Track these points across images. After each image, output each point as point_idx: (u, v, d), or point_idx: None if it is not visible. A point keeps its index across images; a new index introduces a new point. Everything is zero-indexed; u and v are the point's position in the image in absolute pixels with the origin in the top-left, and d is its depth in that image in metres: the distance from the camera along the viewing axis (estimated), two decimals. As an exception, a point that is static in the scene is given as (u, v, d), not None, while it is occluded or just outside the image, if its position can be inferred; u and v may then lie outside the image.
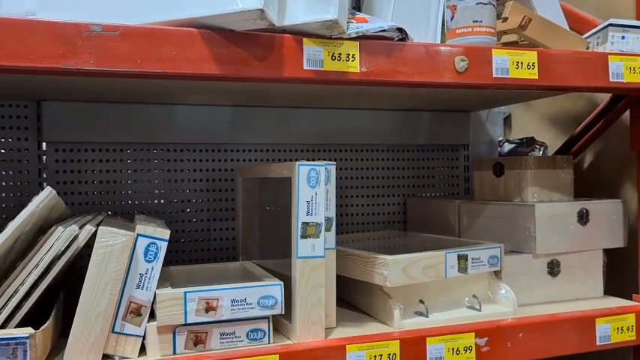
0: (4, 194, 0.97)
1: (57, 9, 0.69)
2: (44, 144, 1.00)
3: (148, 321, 0.67)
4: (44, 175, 1.00)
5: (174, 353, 0.68)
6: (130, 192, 1.04)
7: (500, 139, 1.28)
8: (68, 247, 0.63)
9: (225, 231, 1.09)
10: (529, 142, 1.20)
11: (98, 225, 0.66)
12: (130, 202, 1.04)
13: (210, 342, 0.69)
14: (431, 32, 0.81)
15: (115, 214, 1.03)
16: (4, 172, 0.98)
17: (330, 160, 1.16)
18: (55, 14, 0.69)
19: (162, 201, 1.06)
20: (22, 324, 0.62)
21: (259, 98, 1.01)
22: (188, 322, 0.67)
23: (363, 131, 1.18)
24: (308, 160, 1.14)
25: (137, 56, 0.62)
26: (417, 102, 1.10)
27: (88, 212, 0.94)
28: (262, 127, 1.11)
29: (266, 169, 0.83)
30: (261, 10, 0.61)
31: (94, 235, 0.65)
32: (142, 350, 0.67)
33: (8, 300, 0.62)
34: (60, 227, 0.63)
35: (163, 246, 0.67)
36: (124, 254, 0.65)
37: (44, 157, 1.00)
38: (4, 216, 0.97)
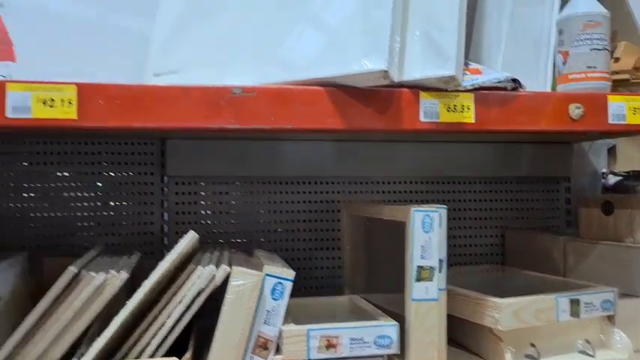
0: (131, 222, 1.08)
1: (198, 67, 0.78)
2: (166, 177, 1.10)
3: (274, 354, 0.73)
4: (165, 206, 1.10)
5: (297, 386, 0.73)
6: (240, 222, 1.12)
7: (604, 171, 1.25)
8: (207, 285, 0.70)
9: (326, 260, 1.14)
10: (636, 176, 1.16)
11: (230, 264, 0.73)
12: (240, 231, 1.11)
13: (330, 377, 0.74)
14: (541, 77, 0.82)
15: (226, 243, 1.10)
16: (131, 203, 1.08)
17: (427, 191, 1.19)
18: (195, 73, 0.77)
19: (268, 231, 1.13)
20: (165, 354, 0.70)
21: (362, 134, 1.06)
22: (310, 357, 0.72)
23: (461, 163, 1.19)
24: (407, 191, 1.17)
25: (271, 114, 0.68)
26: (518, 135, 1.10)
27: (207, 241, 1.02)
28: (363, 160, 1.15)
29: (377, 210, 0.87)
30: (386, 71, 0.65)
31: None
32: (268, 381, 0.73)
33: (157, 331, 0.69)
34: (200, 267, 0.71)
35: (289, 285, 0.73)
36: (254, 293, 0.71)
37: (166, 190, 1.10)
38: (129, 242, 1.07)
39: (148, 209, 1.09)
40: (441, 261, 0.77)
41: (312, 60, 0.69)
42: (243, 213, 1.12)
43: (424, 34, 0.69)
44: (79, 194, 1.07)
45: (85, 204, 1.06)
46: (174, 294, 0.70)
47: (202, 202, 1.11)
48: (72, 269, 0.68)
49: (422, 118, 0.71)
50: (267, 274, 0.72)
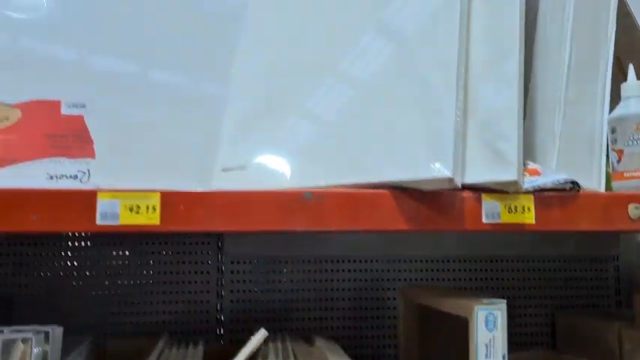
0: (187, 300, 1.11)
1: (266, 163, 0.82)
2: (223, 256, 1.14)
3: None
4: (221, 283, 1.13)
5: None
6: (289, 300, 1.14)
7: (654, 249, 1.24)
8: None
9: (376, 339, 1.15)
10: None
11: (295, 357, 0.75)
12: (289, 310, 1.13)
13: None
14: (595, 175, 0.84)
15: (285, 328, 1.12)
16: (188, 281, 1.12)
17: (475, 270, 1.20)
18: (263, 169, 0.82)
19: (316, 309, 1.15)
20: None
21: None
22: None
23: (508, 242, 1.20)
24: (455, 270, 1.19)
25: (340, 217, 0.71)
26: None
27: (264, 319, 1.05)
28: (411, 240, 1.17)
29: (436, 301, 0.88)
30: (451, 179, 0.68)
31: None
32: None
33: None
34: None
35: (353, 382, 0.74)
36: (320, 389, 0.73)
37: (222, 268, 1.14)
38: (185, 320, 1.10)
39: (204, 288, 1.12)
40: (504, 356, 0.77)
41: (378, 164, 0.73)
42: (297, 292, 1.14)
43: (485, 140, 0.73)
44: (138, 272, 1.11)
45: (143, 281, 1.10)
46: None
47: (258, 281, 1.14)
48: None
49: (484, 220, 0.73)
50: (334, 370, 0.74)
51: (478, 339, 0.74)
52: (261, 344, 0.85)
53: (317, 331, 1.06)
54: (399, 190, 0.73)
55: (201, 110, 0.90)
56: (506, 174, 0.71)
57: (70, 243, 1.09)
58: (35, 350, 0.69)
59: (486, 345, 0.74)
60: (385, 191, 0.73)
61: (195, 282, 1.12)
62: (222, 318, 1.11)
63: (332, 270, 1.16)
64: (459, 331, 0.78)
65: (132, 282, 1.10)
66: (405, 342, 1.01)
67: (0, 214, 0.65)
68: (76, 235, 1.09)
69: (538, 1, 0.93)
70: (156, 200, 0.68)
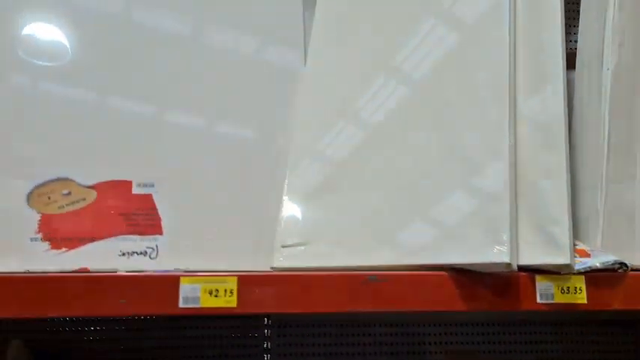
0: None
1: (326, 241, 0.87)
2: (269, 320, 1.18)
3: None
4: (269, 347, 1.17)
5: None
6: (336, 363, 1.17)
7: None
8: None
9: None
10: None
11: None
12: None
13: None
14: (637, 251, 0.88)
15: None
16: (235, 344, 1.16)
17: (520, 333, 1.23)
18: (322, 247, 0.87)
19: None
20: None
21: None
22: None
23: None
24: (497, 333, 1.22)
25: (400, 298, 0.76)
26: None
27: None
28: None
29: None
30: (509, 263, 0.73)
31: None
32: None
33: None
34: None
35: None
36: None
37: (268, 332, 1.18)
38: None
39: (252, 351, 1.16)
40: None
41: (437, 247, 0.78)
42: (338, 355, 1.17)
43: (537, 224, 0.77)
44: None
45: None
46: None
47: (305, 345, 1.17)
48: None
49: (538, 300, 0.77)
50: None
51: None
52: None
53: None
54: (458, 271, 0.77)
55: (257, 191, 0.96)
56: (558, 257, 0.75)
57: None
58: None
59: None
60: (444, 273, 0.77)
61: (243, 346, 1.16)
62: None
63: (367, 334, 1.19)
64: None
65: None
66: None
67: (94, 299, 0.70)
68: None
69: (573, 86, 0.99)
70: (233, 284, 0.73)
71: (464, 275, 0.77)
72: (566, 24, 0.93)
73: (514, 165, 0.80)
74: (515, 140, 0.82)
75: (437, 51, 0.92)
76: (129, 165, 0.93)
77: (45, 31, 1.00)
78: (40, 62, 0.97)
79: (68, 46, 0.98)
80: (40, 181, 0.89)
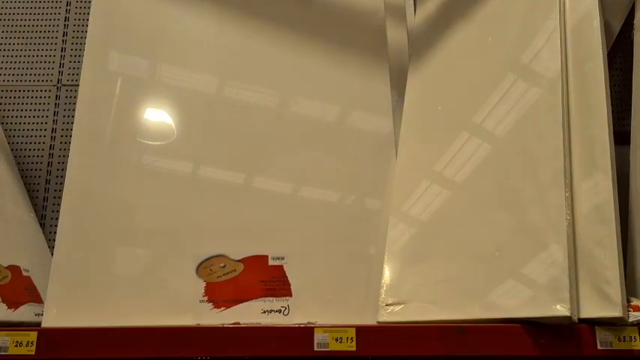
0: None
1: (420, 300, 1.10)
2: (375, 369, 1.40)
3: None
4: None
5: None
6: None
7: None
8: None
9: None
10: None
11: None
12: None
13: None
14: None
15: None
16: None
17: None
18: (418, 305, 1.10)
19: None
20: None
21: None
22: None
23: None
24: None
25: (482, 345, 0.97)
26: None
27: None
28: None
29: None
30: (570, 317, 0.92)
31: None
32: None
33: None
34: None
35: None
36: None
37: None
38: None
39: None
40: None
41: (512, 305, 0.98)
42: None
43: (595, 286, 0.96)
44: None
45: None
46: None
47: None
48: None
49: (599, 347, 0.95)
50: None
51: None
52: None
53: None
54: (530, 323, 0.97)
55: (363, 255, 1.21)
56: (613, 312, 0.93)
57: None
58: None
59: None
60: (517, 325, 0.97)
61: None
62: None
63: None
64: None
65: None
66: None
67: (251, 344, 0.98)
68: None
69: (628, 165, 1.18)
70: (352, 333, 0.98)
71: (534, 327, 0.97)
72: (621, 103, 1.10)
73: (572, 237, 1.00)
74: (573, 217, 1.02)
75: (500, 140, 1.15)
76: (265, 242, 1.22)
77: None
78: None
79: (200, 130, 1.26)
80: (203, 257, 1.20)
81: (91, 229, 1.17)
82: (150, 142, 1.25)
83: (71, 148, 1.22)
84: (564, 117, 1.09)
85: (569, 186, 1.04)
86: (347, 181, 1.26)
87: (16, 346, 0.97)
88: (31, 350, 0.96)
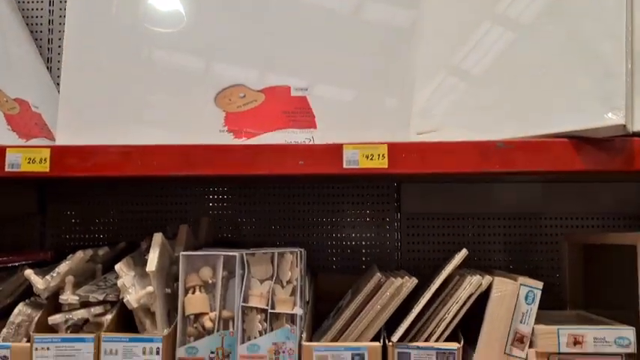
0: (367, 250, 1.35)
1: (454, 126, 1.03)
2: (400, 215, 1.36)
3: (529, 347, 0.92)
4: (399, 237, 1.36)
5: (548, 375, 0.91)
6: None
7: None
8: (475, 290, 0.92)
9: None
10: None
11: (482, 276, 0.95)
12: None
13: (575, 369, 0.91)
14: None
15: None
16: (369, 234, 1.35)
17: (625, 227, 1.31)
18: (451, 131, 1.03)
19: (490, 259, 1.33)
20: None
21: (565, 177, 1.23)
22: (560, 351, 0.90)
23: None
24: (606, 226, 1.31)
25: (524, 160, 0.90)
26: None
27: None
28: (564, 198, 1.31)
29: (603, 237, 1.04)
30: (624, 125, 0.84)
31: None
32: (524, 370, 0.93)
33: (439, 322, 0.92)
34: (469, 276, 0.93)
35: (538, 293, 0.93)
36: (512, 297, 0.92)
37: (399, 224, 1.36)
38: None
39: (383, 239, 1.35)
40: (669, 278, 0.92)
41: (560, 120, 0.91)
42: (468, 246, 1.33)
43: (650, 94, 0.88)
44: (329, 227, 1.37)
45: (334, 234, 1.36)
46: (451, 295, 0.94)
47: (431, 236, 1.35)
48: (379, 275, 0.95)
49: (651, 161, 0.88)
50: (522, 284, 0.93)
51: (647, 259, 0.89)
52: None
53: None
54: (579, 138, 0.90)
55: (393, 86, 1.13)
56: (670, 121, 0.86)
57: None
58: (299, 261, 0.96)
59: (655, 265, 0.89)
60: (564, 140, 0.90)
61: (377, 234, 1.35)
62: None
63: (500, 226, 1.33)
64: (626, 260, 0.93)
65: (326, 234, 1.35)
66: (570, 276, 1.17)
67: (278, 160, 0.92)
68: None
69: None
70: (384, 150, 0.92)
71: (582, 141, 0.89)
72: None
73: (630, 44, 0.90)
74: (632, 24, 0.91)
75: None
76: (287, 73, 1.13)
77: None
78: None
79: None
80: (221, 87, 1.12)
81: (101, 56, 1.09)
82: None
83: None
84: None
85: (629, -8, 0.93)
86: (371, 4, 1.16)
87: (29, 162, 0.92)
88: (45, 167, 0.92)
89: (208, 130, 1.10)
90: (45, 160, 0.92)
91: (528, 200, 1.32)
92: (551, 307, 1.28)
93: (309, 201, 1.36)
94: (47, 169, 0.92)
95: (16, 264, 1.03)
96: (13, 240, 1.37)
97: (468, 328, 0.97)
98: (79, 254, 0.96)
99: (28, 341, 0.91)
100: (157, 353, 0.89)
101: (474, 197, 1.33)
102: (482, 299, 0.94)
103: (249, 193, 1.38)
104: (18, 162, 0.92)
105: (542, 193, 1.32)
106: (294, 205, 1.37)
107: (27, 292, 1.02)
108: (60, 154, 0.92)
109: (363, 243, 1.35)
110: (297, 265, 0.96)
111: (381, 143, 0.92)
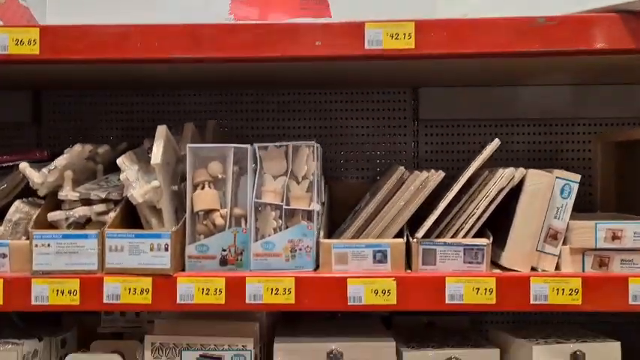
0: (383, 160, 1.27)
1: (486, 11, 0.93)
2: (417, 121, 1.28)
3: (563, 244, 0.86)
4: (416, 146, 1.28)
5: (583, 271, 0.86)
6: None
7: None
8: (507, 184, 0.86)
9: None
10: None
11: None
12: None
13: (612, 265, 0.85)
14: None
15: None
16: (384, 143, 1.28)
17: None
18: (484, 11, 0.93)
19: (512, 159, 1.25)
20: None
21: (597, 77, 1.14)
22: (597, 247, 0.84)
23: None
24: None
25: (568, 39, 0.81)
26: None
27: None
28: (596, 101, 1.22)
29: (638, 131, 0.96)
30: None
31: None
32: (557, 267, 0.87)
33: (467, 218, 0.86)
34: (501, 169, 0.86)
35: (575, 187, 0.86)
36: (547, 191, 0.85)
37: (416, 132, 1.28)
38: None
39: (400, 148, 1.27)
40: None
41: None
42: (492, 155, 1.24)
43: None
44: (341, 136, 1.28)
45: (348, 143, 1.28)
46: (479, 191, 0.87)
47: (451, 144, 1.27)
48: (402, 169, 0.88)
49: None
50: (558, 177, 0.86)
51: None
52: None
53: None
54: (625, 12, 0.80)
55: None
56: None
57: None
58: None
59: None
60: (612, 14, 0.81)
61: (393, 143, 1.27)
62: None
63: (521, 133, 1.25)
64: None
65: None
66: (601, 176, 1.10)
67: (291, 40, 0.83)
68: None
69: None
70: (411, 28, 0.83)
71: (631, 16, 0.80)
72: None
73: None
74: None
75: None
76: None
77: None
78: None
79: None
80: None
81: None
82: None
83: None
84: None
85: None
86: None
87: (16, 44, 0.83)
88: (35, 49, 0.83)
89: (211, 18, 1.00)
90: (34, 41, 0.83)
91: (557, 104, 1.24)
92: (582, 211, 1.21)
93: (320, 108, 1.28)
94: (37, 52, 0.83)
95: (11, 163, 0.96)
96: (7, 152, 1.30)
97: (494, 229, 0.90)
98: (78, 147, 0.89)
99: (27, 239, 0.85)
100: (166, 249, 0.83)
101: (499, 101, 1.24)
102: (511, 197, 0.87)
103: (259, 99, 1.28)
104: (4, 43, 0.83)
105: (571, 97, 1.23)
106: (304, 113, 1.28)
107: (24, 194, 0.95)
108: (51, 34, 0.83)
109: (378, 153, 1.28)
110: (313, 160, 0.88)
111: (408, 21, 0.83)
